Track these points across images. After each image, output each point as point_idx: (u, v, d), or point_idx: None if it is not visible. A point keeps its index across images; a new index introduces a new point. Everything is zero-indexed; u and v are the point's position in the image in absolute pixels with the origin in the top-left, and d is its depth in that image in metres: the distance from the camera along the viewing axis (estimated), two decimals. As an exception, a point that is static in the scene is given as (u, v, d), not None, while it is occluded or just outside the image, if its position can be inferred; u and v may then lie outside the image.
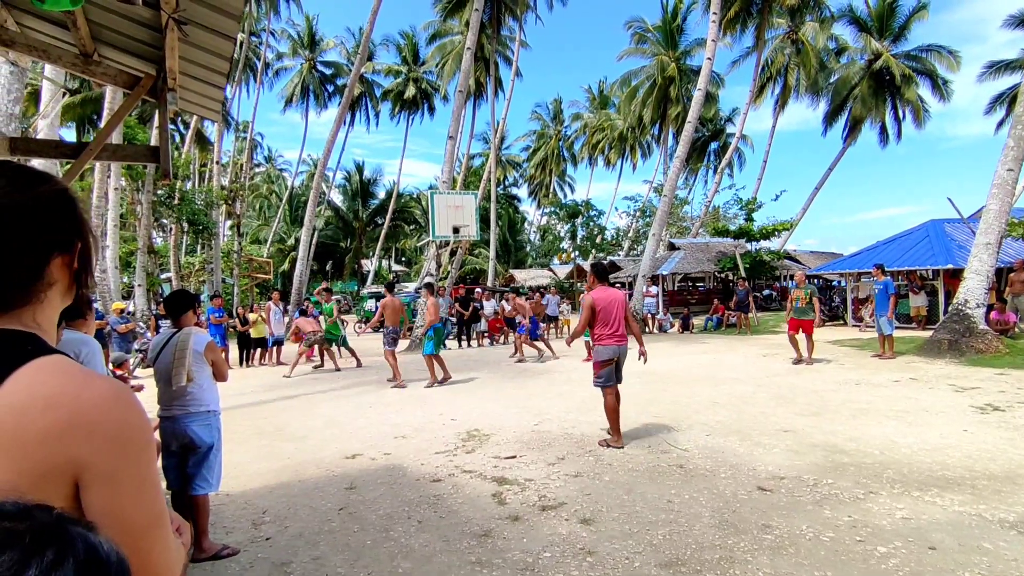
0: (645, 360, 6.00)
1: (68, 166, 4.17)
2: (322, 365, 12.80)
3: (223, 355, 4.02)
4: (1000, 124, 29.33)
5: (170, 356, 3.67)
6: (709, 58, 19.20)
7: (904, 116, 32.06)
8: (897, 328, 15.52)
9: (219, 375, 3.86)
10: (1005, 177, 10.83)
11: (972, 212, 16.80)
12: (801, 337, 10.63)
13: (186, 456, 3.71)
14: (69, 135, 25.10)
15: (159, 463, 3.58)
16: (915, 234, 17.30)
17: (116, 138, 14.30)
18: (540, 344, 13.52)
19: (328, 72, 41.29)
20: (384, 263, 49.46)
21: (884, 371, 9.36)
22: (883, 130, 32.91)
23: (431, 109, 42.63)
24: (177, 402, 3.65)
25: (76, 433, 0.72)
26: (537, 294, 17.85)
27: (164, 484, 3.59)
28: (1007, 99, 28.01)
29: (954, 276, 13.92)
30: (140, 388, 4.74)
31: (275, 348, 14.03)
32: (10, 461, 0.70)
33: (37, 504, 0.54)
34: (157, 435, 3.64)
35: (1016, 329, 12.19)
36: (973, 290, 10.77)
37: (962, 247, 14.92)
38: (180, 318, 3.85)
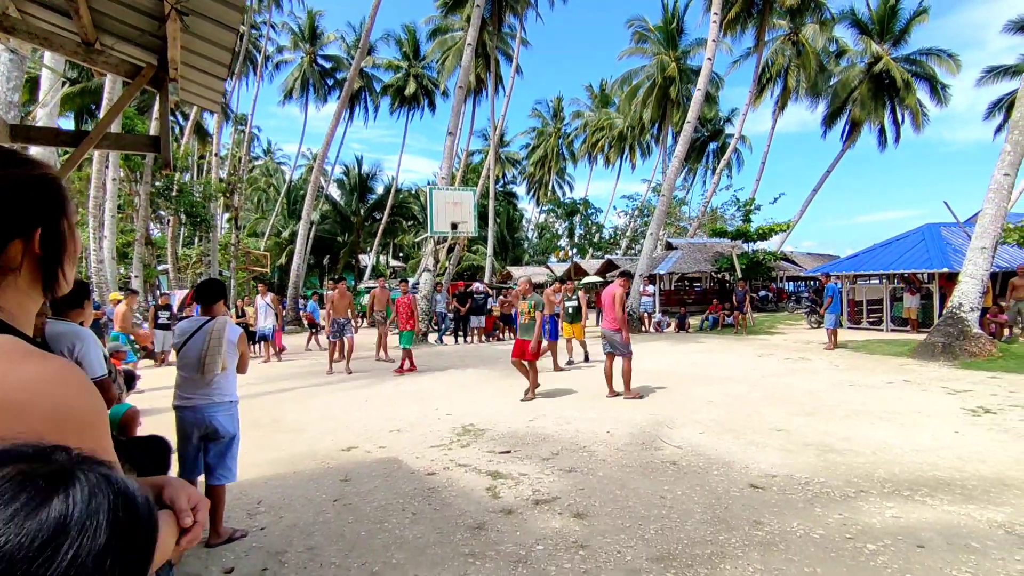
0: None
1: (67, 155, 4.17)
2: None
3: None
4: (999, 129, 29.35)
5: (202, 344, 3.60)
6: (709, 58, 19.21)
7: (903, 120, 32.15)
8: (892, 331, 15.79)
9: (243, 366, 3.89)
10: (1001, 182, 10.87)
11: (968, 216, 16.86)
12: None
13: (206, 446, 3.69)
14: (67, 125, 25.01)
15: (175, 448, 3.49)
16: (911, 237, 17.37)
17: (115, 128, 14.23)
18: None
19: (328, 66, 41.13)
20: (382, 258, 49.36)
21: (878, 372, 9.42)
22: (882, 133, 33.03)
23: (431, 105, 42.48)
24: (202, 391, 3.61)
25: (4, 414, 0.70)
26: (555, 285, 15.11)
27: (178, 471, 3.60)
28: (1005, 104, 28.00)
29: (949, 279, 13.97)
30: (138, 378, 4.76)
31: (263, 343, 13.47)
32: None
33: (56, 445, 0.53)
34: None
35: (1011, 333, 12.27)
36: (968, 294, 10.82)
37: (957, 251, 14.97)
38: (211, 307, 3.79)
